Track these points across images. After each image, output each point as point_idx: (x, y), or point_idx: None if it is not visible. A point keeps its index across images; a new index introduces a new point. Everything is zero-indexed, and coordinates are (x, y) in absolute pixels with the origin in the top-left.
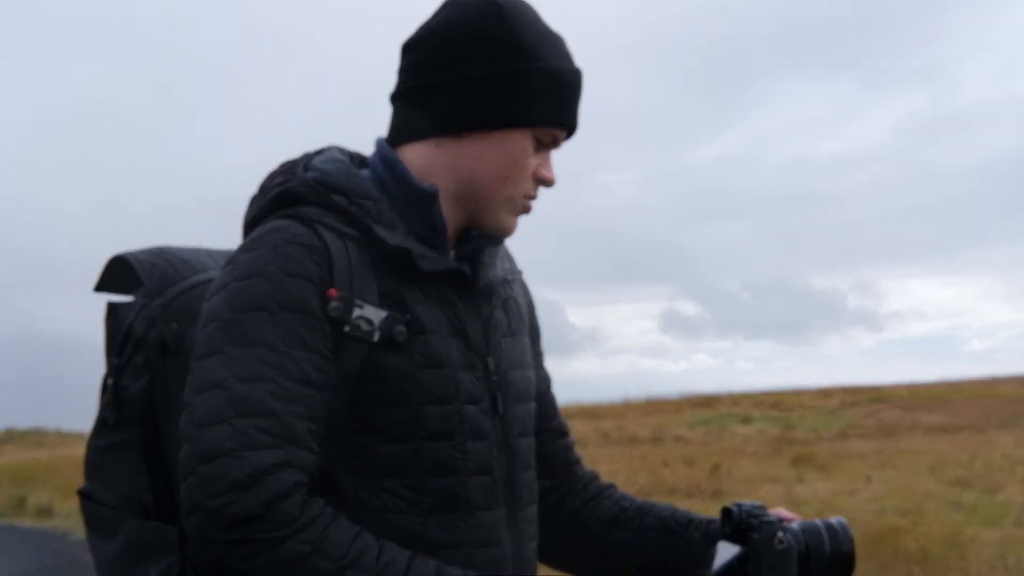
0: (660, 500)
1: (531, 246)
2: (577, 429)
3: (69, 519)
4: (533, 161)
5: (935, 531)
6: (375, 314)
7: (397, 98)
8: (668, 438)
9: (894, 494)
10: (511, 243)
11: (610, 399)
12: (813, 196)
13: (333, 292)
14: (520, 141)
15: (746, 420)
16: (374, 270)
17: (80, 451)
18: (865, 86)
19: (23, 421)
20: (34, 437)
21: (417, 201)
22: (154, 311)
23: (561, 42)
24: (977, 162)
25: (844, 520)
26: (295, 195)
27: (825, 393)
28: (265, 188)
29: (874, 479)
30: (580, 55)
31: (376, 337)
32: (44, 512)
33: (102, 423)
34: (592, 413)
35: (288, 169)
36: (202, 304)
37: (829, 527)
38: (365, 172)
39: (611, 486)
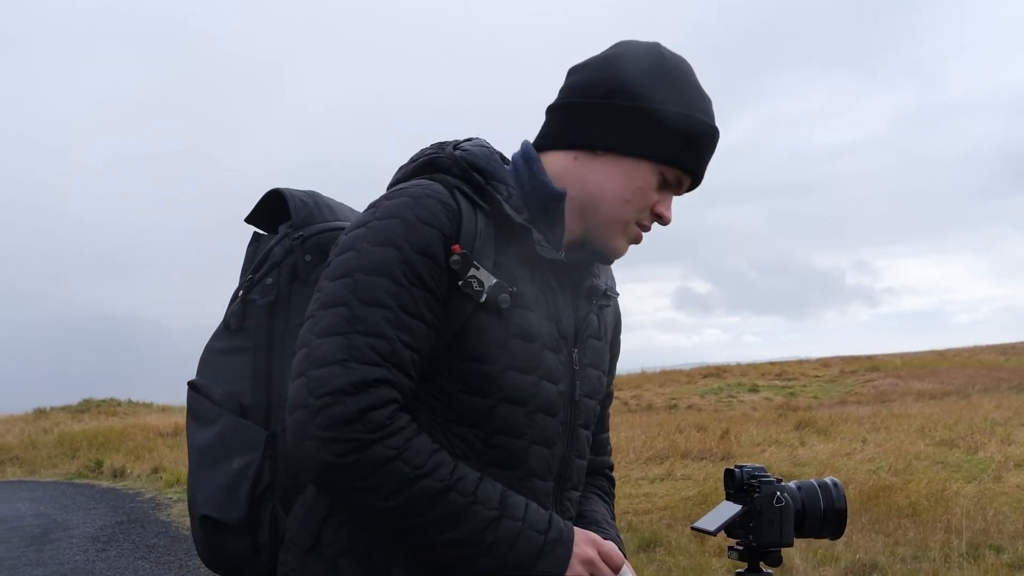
0: (675, 463)
1: None
2: None
3: (139, 480)
4: (655, 196)
5: (923, 488)
6: (487, 278)
7: (553, 110)
8: (682, 406)
9: (887, 455)
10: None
11: (628, 370)
12: (814, 182)
13: (456, 247)
14: (648, 173)
15: (753, 389)
16: (495, 242)
17: (149, 420)
18: (861, 79)
19: (99, 392)
20: (108, 407)
21: (546, 199)
22: (294, 241)
23: (708, 101)
24: (963, 150)
25: (837, 480)
26: (440, 165)
27: (825, 363)
28: (414, 159)
29: (869, 441)
30: (590, 47)
31: (483, 298)
32: (118, 474)
33: (225, 327)
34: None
35: (439, 145)
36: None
37: (824, 486)
38: (507, 167)
39: (596, 504)
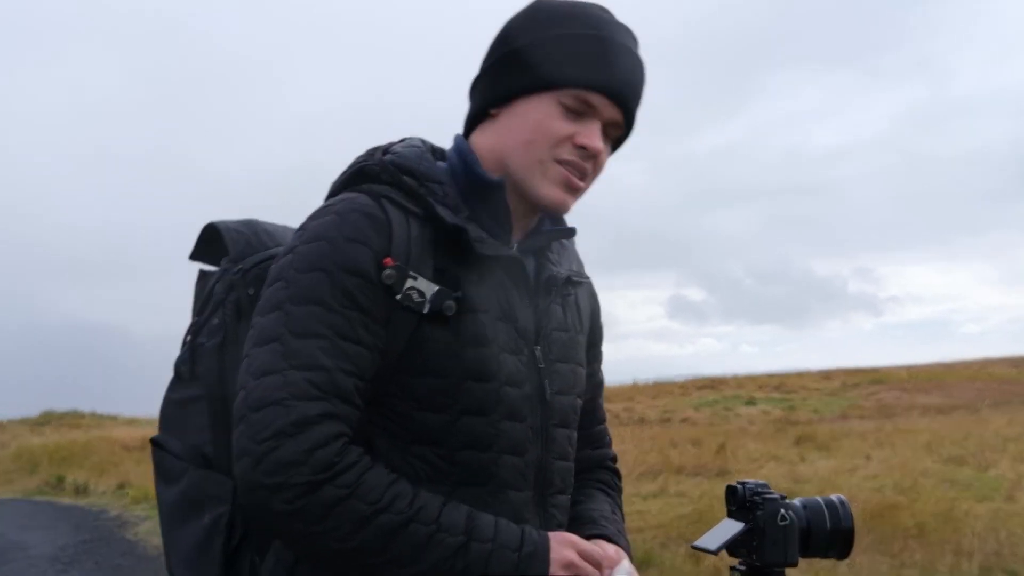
0: (669, 479)
1: None
2: None
3: (104, 497)
4: (563, 126)
5: (931, 507)
6: (427, 287)
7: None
8: (676, 419)
9: (892, 472)
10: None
11: (620, 382)
12: (814, 184)
13: (388, 261)
14: (543, 104)
15: (750, 402)
16: (434, 248)
17: (115, 433)
18: (862, 78)
19: (61, 404)
20: (71, 419)
21: (483, 191)
22: (234, 276)
23: (595, 16)
24: (970, 151)
25: (844, 498)
26: (369, 173)
27: (826, 375)
28: (345, 169)
29: (873, 457)
30: None
31: (426, 309)
32: (81, 490)
33: (178, 377)
34: (603, 395)
35: (369, 152)
36: None
37: (830, 504)
38: (442, 164)
39: (598, 501)
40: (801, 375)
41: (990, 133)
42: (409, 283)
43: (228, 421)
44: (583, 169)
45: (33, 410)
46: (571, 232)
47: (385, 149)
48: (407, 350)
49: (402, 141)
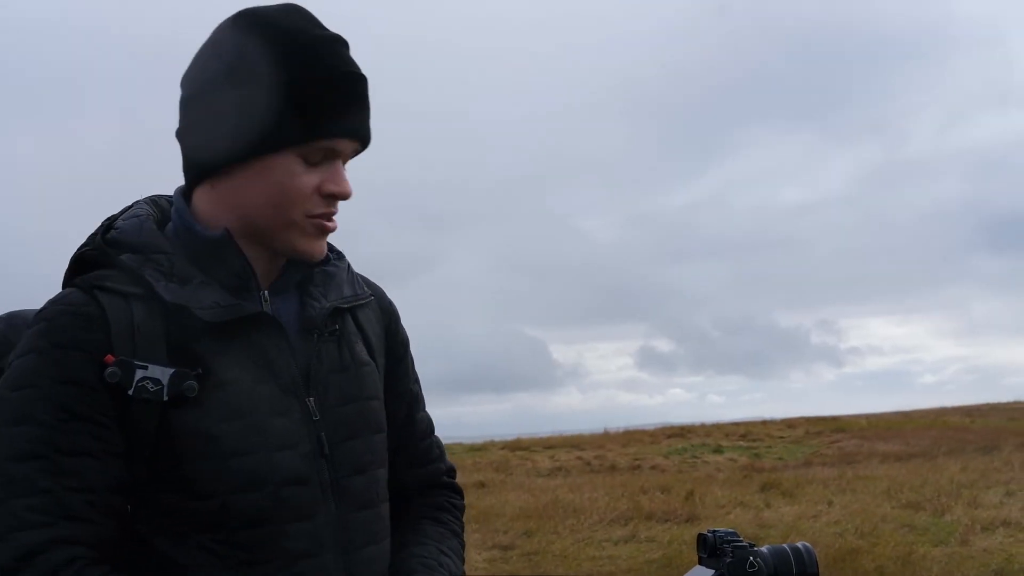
0: (639, 524)
1: (516, 287)
2: (561, 459)
3: None
4: (310, 179)
5: (890, 551)
6: (161, 373)
7: (177, 136)
8: (645, 467)
9: (853, 517)
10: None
11: (591, 430)
12: (778, 239)
13: (109, 358)
14: (283, 163)
15: (718, 450)
16: (165, 326)
17: None
18: (825, 137)
19: None
20: None
21: (211, 249)
22: None
23: (326, 45)
24: (926, 208)
25: (809, 545)
26: (87, 259)
27: (790, 424)
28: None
29: (835, 503)
30: (560, 108)
31: (165, 396)
32: None
33: None
34: (574, 443)
35: (92, 235)
36: None
37: (796, 551)
38: (170, 225)
39: (424, 539)
40: (766, 424)
41: (944, 193)
42: (139, 374)
43: None
44: (334, 213)
45: None
46: (313, 264)
47: (108, 225)
48: (160, 441)
49: (129, 208)
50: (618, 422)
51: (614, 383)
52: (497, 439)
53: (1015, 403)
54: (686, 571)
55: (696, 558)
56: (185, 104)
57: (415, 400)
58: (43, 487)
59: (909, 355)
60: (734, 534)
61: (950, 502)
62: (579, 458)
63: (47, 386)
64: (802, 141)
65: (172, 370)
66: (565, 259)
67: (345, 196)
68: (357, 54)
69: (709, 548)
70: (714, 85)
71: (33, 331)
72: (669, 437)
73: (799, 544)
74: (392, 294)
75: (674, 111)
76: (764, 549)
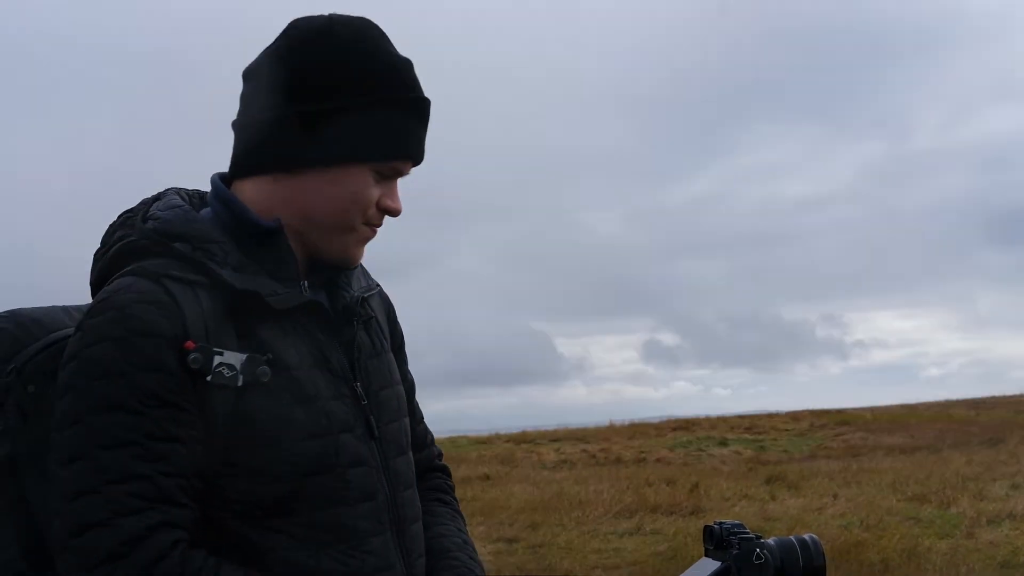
0: (645, 517)
1: (522, 281)
2: (566, 451)
3: None
4: (375, 192)
5: (895, 544)
6: (236, 359)
7: (236, 127)
8: (650, 459)
9: (858, 510)
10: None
11: (597, 423)
12: (783, 234)
13: (190, 344)
14: (360, 176)
15: (723, 442)
16: (229, 314)
17: None
18: (830, 132)
19: None
20: None
21: (262, 238)
22: (8, 376)
23: (404, 70)
24: (932, 203)
25: (816, 536)
26: (137, 249)
27: (795, 417)
28: (106, 243)
29: (840, 496)
30: (571, 105)
31: (240, 382)
32: None
33: None
34: (580, 436)
35: (126, 222)
36: (58, 364)
37: (802, 543)
38: (207, 212)
39: (442, 519)
40: (771, 416)
41: (948, 187)
42: (216, 360)
43: (37, 530)
44: (380, 226)
45: None
46: (349, 268)
47: (144, 214)
48: (233, 427)
49: (158, 199)
50: (623, 415)
51: (619, 376)
52: (503, 432)
53: (1021, 396)
54: (692, 563)
55: (702, 550)
56: (256, 101)
57: (412, 387)
58: (139, 472)
59: (914, 348)
60: (740, 526)
61: (955, 495)
62: (584, 451)
63: (132, 373)
64: (807, 136)
65: (244, 356)
66: (571, 253)
67: (398, 213)
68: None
69: (716, 540)
70: (719, 81)
71: (100, 321)
72: (674, 430)
73: (806, 536)
74: (398, 288)
75: (679, 107)
76: (771, 541)
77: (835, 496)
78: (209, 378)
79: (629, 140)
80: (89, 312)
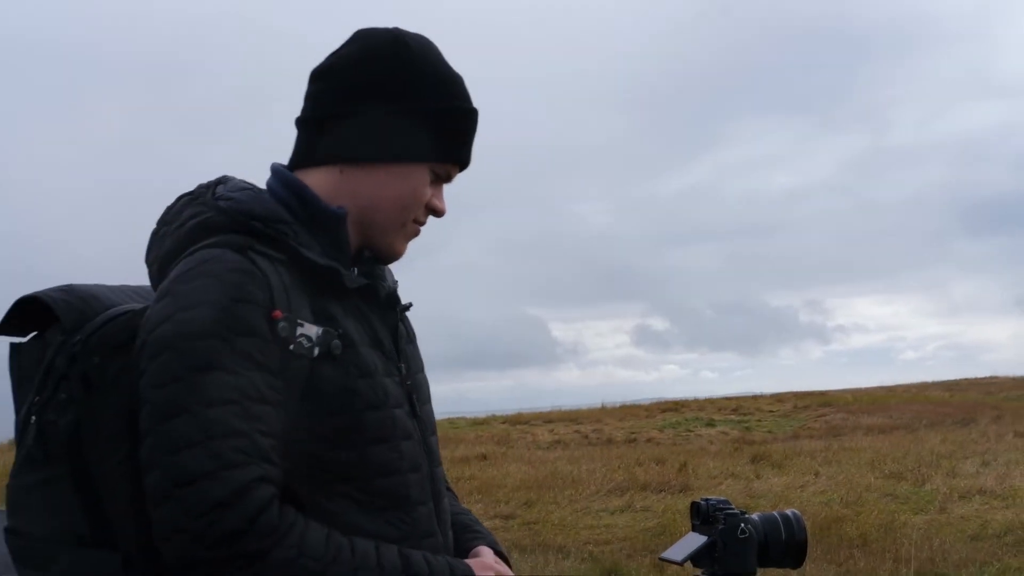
0: (635, 495)
1: (518, 269)
2: (560, 432)
3: None
4: (428, 192)
5: (873, 519)
6: (313, 331)
7: (303, 123)
8: (641, 440)
9: (839, 487)
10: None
11: (589, 405)
12: (769, 224)
13: (278, 313)
14: (420, 174)
15: (710, 423)
16: (304, 289)
17: None
18: (813, 126)
19: None
20: None
21: (326, 223)
22: (75, 347)
23: (461, 82)
24: (909, 195)
25: (798, 512)
26: (214, 225)
27: (779, 399)
28: (170, 220)
29: (822, 474)
30: (563, 99)
31: (316, 352)
32: None
33: (29, 460)
34: (573, 418)
35: (195, 201)
36: (122, 336)
37: (785, 518)
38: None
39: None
40: (756, 398)
41: (926, 180)
42: (299, 331)
43: (98, 497)
44: (424, 224)
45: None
46: (390, 262)
47: (213, 195)
48: (305, 395)
49: (221, 183)
50: (615, 397)
51: (611, 360)
52: (499, 414)
53: (991, 378)
54: (680, 538)
55: (690, 526)
56: (328, 98)
57: None
58: (240, 429)
59: (893, 333)
60: (726, 502)
61: (930, 472)
62: (577, 432)
63: (230, 336)
64: (792, 130)
65: (320, 328)
66: (565, 242)
67: (443, 214)
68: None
69: (702, 516)
70: (707, 77)
71: (197, 286)
72: (664, 411)
73: (788, 511)
74: (400, 276)
75: (669, 103)
76: (755, 516)
77: (817, 474)
78: (292, 347)
79: (621, 134)
80: (179, 278)
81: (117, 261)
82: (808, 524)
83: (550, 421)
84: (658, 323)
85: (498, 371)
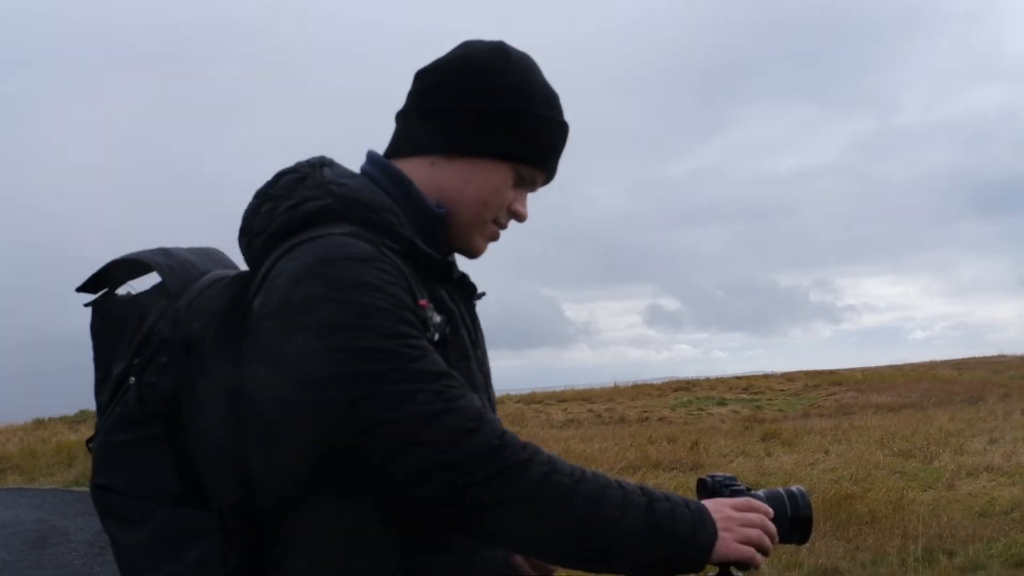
0: (647, 473)
1: (532, 249)
2: (573, 411)
3: None
4: (511, 194)
5: (882, 496)
6: (438, 318)
7: (404, 115)
8: (653, 418)
9: (848, 465)
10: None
11: (602, 384)
12: (779, 205)
13: (425, 303)
14: (505, 173)
15: (721, 402)
16: (417, 277)
17: None
18: (821, 109)
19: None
20: None
21: (426, 219)
22: (179, 312)
23: (556, 98)
24: (917, 176)
25: (803, 488)
26: (332, 212)
27: (790, 377)
28: (275, 197)
29: (831, 452)
30: (574, 83)
31: (436, 337)
32: None
33: (127, 419)
34: (586, 397)
35: (306, 181)
36: (218, 302)
37: (791, 495)
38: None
39: None
40: (767, 377)
41: (933, 161)
42: (435, 318)
43: (191, 457)
44: (505, 228)
45: (71, 409)
46: (470, 259)
47: (325, 179)
48: None
49: (325, 166)
50: (627, 376)
51: (623, 340)
52: (513, 393)
53: (998, 357)
54: None
55: None
56: (431, 94)
57: None
58: (447, 372)
59: (902, 313)
60: (732, 479)
61: (938, 450)
62: (590, 411)
63: (395, 310)
64: (800, 112)
65: (440, 316)
66: (578, 224)
67: (524, 219)
68: (365, 45)
69: (708, 492)
70: (716, 60)
71: (346, 268)
72: (675, 390)
73: (793, 487)
74: None
75: (679, 86)
76: (760, 492)
77: (826, 452)
78: (428, 333)
79: (631, 117)
80: (323, 261)
81: (139, 234)
82: (818, 501)
83: (563, 400)
84: (669, 303)
85: (512, 351)
